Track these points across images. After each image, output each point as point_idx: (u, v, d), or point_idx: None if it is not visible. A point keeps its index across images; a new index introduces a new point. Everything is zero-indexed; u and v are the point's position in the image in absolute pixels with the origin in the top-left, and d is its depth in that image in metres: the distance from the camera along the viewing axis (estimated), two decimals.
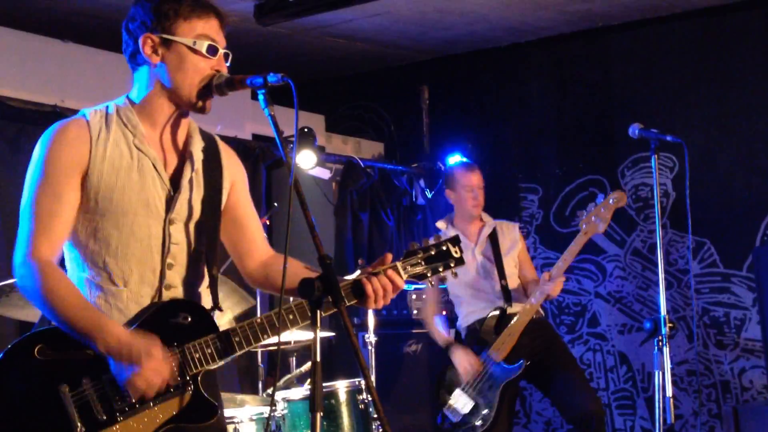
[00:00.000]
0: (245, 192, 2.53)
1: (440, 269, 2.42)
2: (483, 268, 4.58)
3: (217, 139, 2.50)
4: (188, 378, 2.23)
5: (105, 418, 2.14)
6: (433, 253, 2.43)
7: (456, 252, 2.43)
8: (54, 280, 2.18)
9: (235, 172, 2.49)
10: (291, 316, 2.30)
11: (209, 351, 2.24)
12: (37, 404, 2.12)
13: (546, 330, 4.59)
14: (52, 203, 2.21)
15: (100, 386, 2.15)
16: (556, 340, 4.60)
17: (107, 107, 2.34)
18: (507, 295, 4.49)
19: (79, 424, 2.12)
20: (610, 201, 4.20)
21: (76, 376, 2.15)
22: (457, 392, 4.40)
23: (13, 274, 2.22)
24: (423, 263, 2.41)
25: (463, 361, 4.38)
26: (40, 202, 2.22)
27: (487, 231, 4.65)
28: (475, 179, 4.67)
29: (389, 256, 2.36)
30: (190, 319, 2.27)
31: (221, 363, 2.29)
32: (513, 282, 4.57)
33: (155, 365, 2.14)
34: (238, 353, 2.30)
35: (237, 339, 2.26)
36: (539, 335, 4.45)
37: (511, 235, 4.69)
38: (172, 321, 2.26)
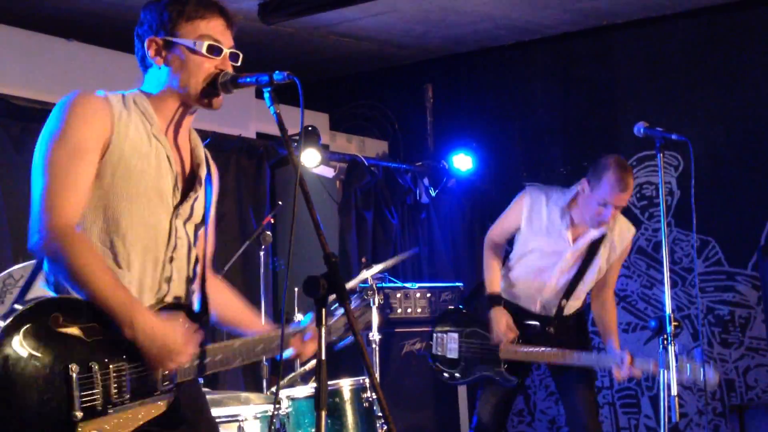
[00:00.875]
0: (215, 204, 2.53)
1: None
2: (561, 274, 4.14)
3: (205, 149, 2.51)
4: (172, 386, 2.25)
5: (100, 408, 2.12)
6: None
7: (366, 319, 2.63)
8: (84, 251, 2.12)
9: (216, 185, 2.51)
10: (259, 347, 2.43)
11: (196, 363, 2.27)
12: (42, 376, 2.05)
13: (567, 338, 4.26)
14: (77, 168, 2.15)
15: (106, 373, 2.13)
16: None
17: (123, 93, 2.34)
18: (558, 313, 4.17)
19: (78, 409, 2.07)
20: (701, 376, 3.72)
21: (85, 357, 2.10)
22: (455, 335, 4.31)
23: (33, 239, 2.13)
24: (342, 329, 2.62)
25: (503, 321, 4.10)
26: (64, 165, 2.14)
27: (592, 235, 4.09)
28: (619, 200, 3.96)
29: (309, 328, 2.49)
30: (187, 326, 2.28)
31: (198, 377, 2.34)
32: (575, 304, 4.22)
33: (191, 351, 2.22)
34: (220, 369, 2.35)
35: (219, 357, 2.32)
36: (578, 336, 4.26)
37: (619, 245, 4.16)
38: (178, 314, 2.28)
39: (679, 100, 5.74)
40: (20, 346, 2.03)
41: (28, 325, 2.05)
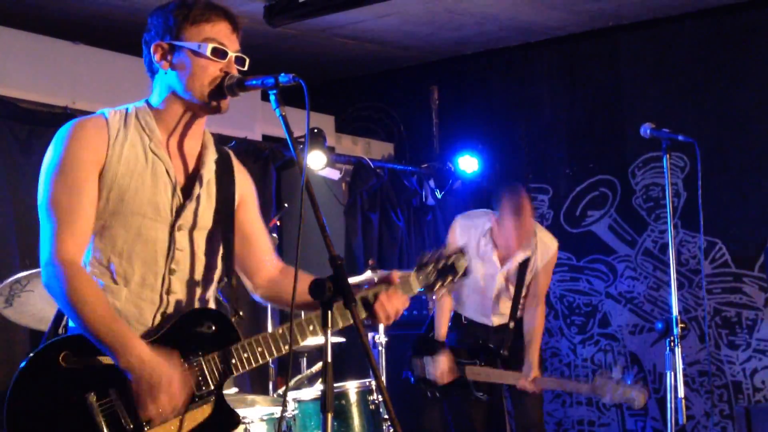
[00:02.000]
0: (254, 209, 2.53)
1: (448, 280, 2.51)
2: (497, 293, 4.52)
3: (231, 154, 2.52)
4: (212, 388, 2.25)
5: (132, 427, 2.15)
6: (442, 265, 2.51)
7: (461, 266, 2.51)
8: (81, 286, 2.16)
9: (244, 188, 2.51)
10: (311, 327, 2.34)
11: (233, 361, 2.27)
12: (64, 413, 2.11)
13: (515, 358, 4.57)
14: (75, 201, 2.20)
15: (127, 396, 2.15)
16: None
17: (127, 108, 2.35)
18: (502, 332, 4.50)
19: None
20: (632, 395, 4.07)
21: (102, 385, 2.15)
22: (428, 360, 4.47)
23: (43, 275, 2.20)
24: (435, 274, 2.50)
25: (444, 366, 4.42)
26: (62, 200, 2.20)
27: (519, 257, 4.44)
28: (520, 241, 4.39)
29: (394, 276, 2.42)
30: (213, 328, 2.29)
31: (241, 372, 2.32)
32: (520, 308, 4.54)
33: (171, 394, 2.15)
34: (261, 363, 2.32)
35: (260, 349, 2.29)
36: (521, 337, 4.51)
37: (540, 260, 4.47)
38: (196, 330, 2.28)
39: (685, 102, 5.72)
40: (38, 392, 2.10)
41: (42, 367, 2.13)
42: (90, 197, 2.23)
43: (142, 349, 2.15)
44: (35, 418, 2.10)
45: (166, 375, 2.15)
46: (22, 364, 2.13)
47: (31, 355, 2.15)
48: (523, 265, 4.45)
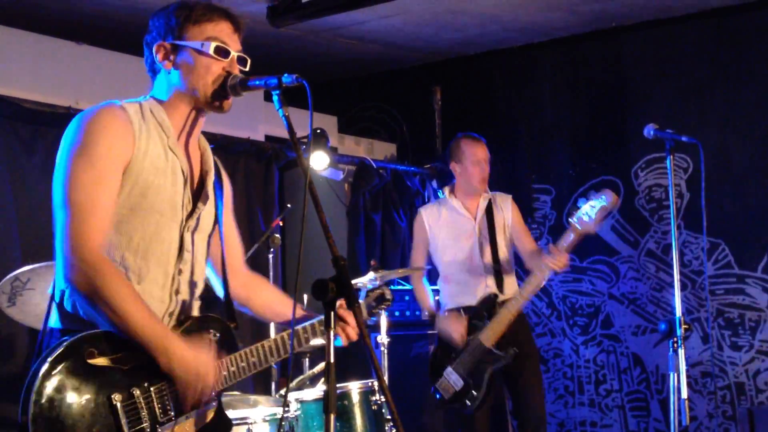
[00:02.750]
0: (230, 207, 2.56)
1: (383, 306, 2.74)
2: (479, 246, 4.57)
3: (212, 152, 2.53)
4: (216, 395, 2.30)
5: (148, 429, 2.18)
6: (376, 296, 2.72)
7: (388, 293, 2.73)
8: (120, 286, 2.14)
9: (227, 188, 2.53)
10: (305, 335, 2.45)
11: (233, 369, 2.31)
12: (88, 410, 2.11)
13: (525, 326, 4.66)
14: (101, 190, 2.16)
15: (148, 396, 2.18)
16: (532, 342, 4.68)
17: (139, 102, 2.34)
18: (499, 279, 4.52)
19: None
20: (605, 201, 4.08)
21: (127, 384, 2.17)
22: (449, 370, 4.41)
23: (65, 267, 2.13)
24: (374, 303, 2.69)
25: (453, 327, 4.40)
26: (90, 190, 2.15)
27: (483, 204, 4.63)
28: (482, 152, 4.65)
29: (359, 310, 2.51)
30: (219, 335, 2.32)
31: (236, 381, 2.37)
32: (504, 260, 4.58)
33: (211, 383, 2.24)
34: (255, 371, 2.38)
35: (253, 360, 2.35)
36: (521, 329, 4.52)
37: (505, 209, 4.66)
38: (206, 336, 2.32)
39: (688, 102, 5.72)
40: (62, 386, 2.09)
41: (65, 365, 2.10)
42: (114, 191, 2.20)
43: (181, 347, 2.19)
44: (59, 414, 2.07)
45: (208, 362, 2.23)
46: (45, 362, 2.08)
47: (56, 350, 2.10)
48: (489, 214, 4.59)
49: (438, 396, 4.46)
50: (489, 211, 4.62)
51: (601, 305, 5.96)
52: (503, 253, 4.58)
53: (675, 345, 3.48)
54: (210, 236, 2.43)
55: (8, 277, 3.42)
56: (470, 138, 4.73)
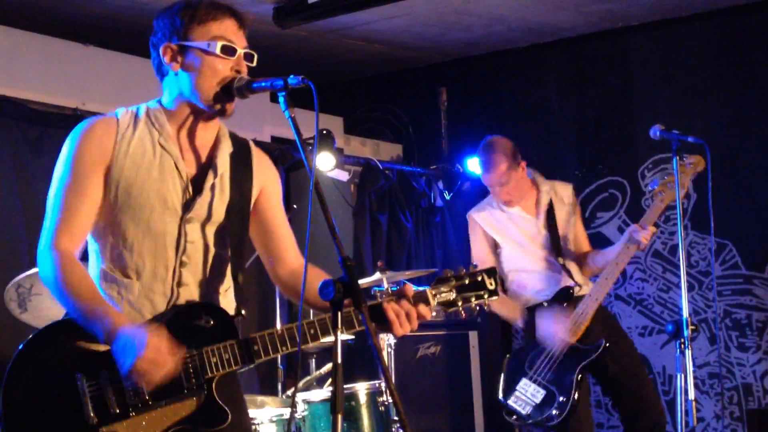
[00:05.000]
0: (276, 198, 2.54)
1: (472, 300, 2.38)
2: (548, 246, 4.25)
3: (251, 144, 2.53)
4: (203, 381, 2.25)
5: (118, 411, 2.19)
6: (466, 282, 2.40)
7: (491, 284, 2.38)
8: (68, 270, 2.23)
9: (265, 178, 2.52)
10: (312, 331, 2.30)
11: (227, 356, 2.26)
12: (54, 392, 2.19)
13: (613, 320, 4.34)
14: (76, 198, 2.28)
15: (117, 380, 2.19)
16: (624, 337, 4.28)
17: (139, 108, 2.39)
18: (569, 274, 4.19)
19: (92, 414, 2.17)
20: (687, 165, 3.82)
21: (93, 368, 2.20)
22: (524, 381, 4.08)
23: (37, 264, 2.30)
24: (455, 291, 2.39)
25: (552, 324, 4.02)
26: (65, 197, 2.28)
27: (545, 201, 4.30)
28: (490, 179, 4.30)
29: (409, 288, 2.35)
30: (212, 322, 2.29)
31: (237, 369, 2.31)
32: (569, 254, 4.27)
33: (153, 356, 2.13)
34: (255, 362, 2.31)
35: (256, 347, 2.28)
36: (608, 325, 4.18)
37: (567, 201, 4.35)
38: (194, 323, 2.28)
39: (694, 103, 5.70)
40: (33, 367, 2.19)
41: (38, 347, 2.23)
42: (92, 196, 2.29)
43: (121, 320, 2.18)
44: (27, 396, 2.18)
45: (152, 340, 2.13)
46: (21, 345, 2.22)
47: (30, 336, 2.23)
48: (550, 213, 4.27)
49: (515, 415, 4.08)
50: (550, 209, 4.31)
51: (608, 306, 5.94)
52: (571, 245, 4.29)
53: (682, 346, 3.47)
54: (225, 227, 2.39)
55: (11, 284, 3.43)
56: (481, 164, 4.35)
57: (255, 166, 2.49)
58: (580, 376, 3.99)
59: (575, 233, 4.37)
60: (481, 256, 4.35)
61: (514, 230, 4.33)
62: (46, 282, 2.27)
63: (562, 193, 4.39)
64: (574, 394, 3.95)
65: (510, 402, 4.09)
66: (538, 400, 4.03)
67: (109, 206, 2.30)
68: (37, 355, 2.22)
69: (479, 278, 2.39)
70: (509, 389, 4.12)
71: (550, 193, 4.34)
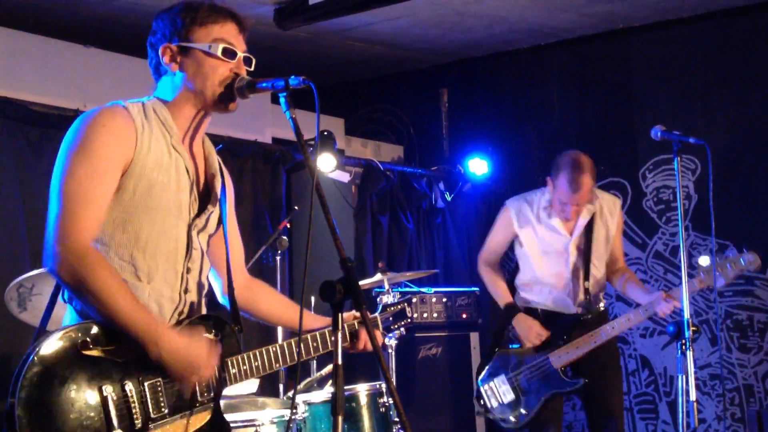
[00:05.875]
0: (233, 209, 2.56)
1: (402, 324, 2.80)
2: (574, 266, 4.22)
3: (216, 154, 2.52)
4: (212, 395, 2.28)
5: (140, 425, 2.16)
6: (394, 311, 2.79)
7: (409, 311, 2.80)
8: (105, 274, 2.12)
9: (230, 190, 2.53)
10: (315, 344, 2.47)
11: (234, 372, 2.30)
12: (79, 400, 2.09)
13: (614, 354, 4.35)
14: (97, 188, 2.16)
15: (141, 391, 2.17)
16: (614, 371, 4.32)
17: (142, 101, 2.34)
18: (587, 299, 4.21)
19: (117, 428, 2.12)
20: (742, 262, 3.88)
21: (120, 377, 2.14)
22: (502, 378, 4.21)
23: (49, 261, 2.13)
24: (390, 319, 2.76)
25: (531, 327, 4.13)
26: (85, 185, 2.14)
27: (584, 221, 4.22)
28: (576, 200, 4.12)
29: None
30: (220, 336, 2.31)
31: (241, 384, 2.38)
32: (595, 279, 4.24)
33: (209, 366, 2.23)
34: (257, 376, 2.36)
35: (257, 364, 2.34)
36: (602, 359, 4.19)
37: (611, 217, 4.26)
38: (206, 336, 2.30)
39: (696, 103, 5.70)
40: (53, 373, 2.07)
41: (57, 353, 2.09)
42: (110, 187, 2.19)
43: (171, 336, 2.17)
44: (48, 401, 2.06)
45: (201, 352, 2.20)
46: (39, 347, 2.07)
47: (44, 341, 2.09)
48: (588, 228, 4.22)
49: (481, 402, 4.25)
50: (589, 227, 4.22)
51: (609, 307, 5.94)
52: (598, 272, 4.25)
53: (683, 347, 3.46)
54: (211, 237, 2.42)
55: (12, 284, 3.43)
56: (573, 178, 4.11)
57: (225, 175, 2.49)
58: (547, 399, 4.14)
59: (612, 250, 4.31)
60: (495, 246, 4.44)
61: (543, 239, 4.27)
62: (71, 281, 2.11)
63: (609, 209, 4.28)
64: (534, 413, 4.13)
65: (483, 389, 4.27)
66: (505, 400, 4.21)
67: (121, 204, 2.22)
68: (56, 363, 2.08)
69: (401, 308, 2.81)
70: (488, 378, 4.28)
71: (592, 211, 4.24)
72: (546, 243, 4.27)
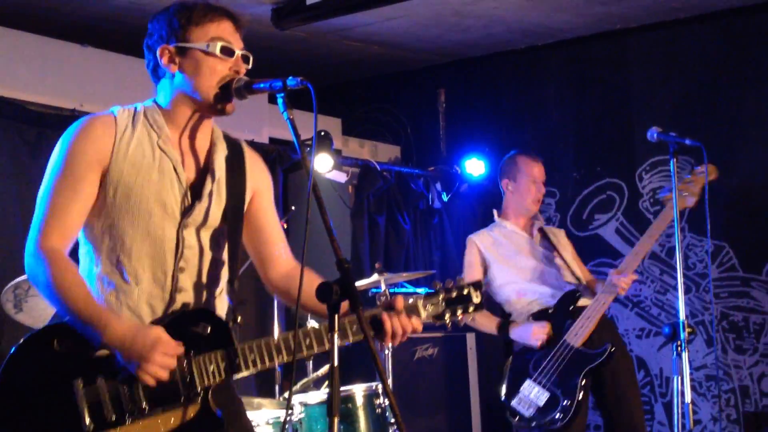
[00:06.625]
0: (268, 199, 2.53)
1: (459, 312, 2.41)
2: (545, 256, 4.32)
3: (244, 145, 2.51)
4: (199, 389, 2.23)
5: (114, 418, 2.16)
6: (454, 295, 2.41)
7: (476, 297, 2.41)
8: (61, 270, 2.18)
9: (258, 180, 2.50)
10: (308, 341, 2.29)
11: (224, 365, 2.25)
12: (49, 396, 2.15)
13: (618, 336, 4.34)
14: (69, 196, 2.23)
15: (114, 386, 2.17)
16: (625, 349, 4.33)
17: (136, 107, 2.37)
18: (569, 277, 4.26)
19: (88, 420, 2.14)
20: (699, 174, 3.90)
21: (90, 373, 2.17)
22: (528, 383, 4.03)
23: (25, 264, 2.24)
24: (443, 304, 2.39)
25: (532, 330, 4.06)
26: (57, 193, 2.23)
27: (537, 225, 4.43)
28: (539, 171, 4.42)
29: (400, 300, 2.32)
30: (208, 329, 2.28)
31: (231, 378, 2.29)
32: (575, 266, 4.33)
33: (161, 360, 2.15)
34: (252, 371, 2.28)
35: (252, 357, 2.26)
36: (612, 337, 4.14)
37: (562, 238, 4.49)
38: (191, 330, 2.27)
39: (693, 105, 5.71)
40: (27, 371, 2.14)
41: (32, 351, 2.17)
42: (86, 194, 2.25)
43: (123, 325, 2.17)
44: (20, 401, 2.13)
45: (150, 336, 2.16)
46: (14, 348, 2.17)
47: (24, 338, 2.19)
48: (546, 237, 4.38)
49: (518, 416, 4.03)
50: (545, 236, 4.40)
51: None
52: (571, 260, 4.34)
53: (679, 348, 3.47)
54: (219, 231, 2.39)
55: (9, 286, 3.42)
56: (528, 156, 4.48)
57: (248, 169, 2.47)
58: (584, 380, 3.96)
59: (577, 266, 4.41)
60: (473, 273, 4.40)
61: (507, 242, 4.39)
62: (36, 282, 2.21)
63: (558, 234, 4.52)
64: (578, 398, 3.93)
65: (513, 403, 4.04)
66: (541, 403, 3.98)
67: (105, 208, 2.26)
68: (31, 360, 2.17)
69: (465, 291, 2.42)
70: (513, 390, 4.07)
71: (541, 226, 4.47)
72: (510, 245, 4.36)
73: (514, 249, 4.37)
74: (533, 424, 4.00)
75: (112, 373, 2.17)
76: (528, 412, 4.00)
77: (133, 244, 2.27)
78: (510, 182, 4.44)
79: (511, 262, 4.34)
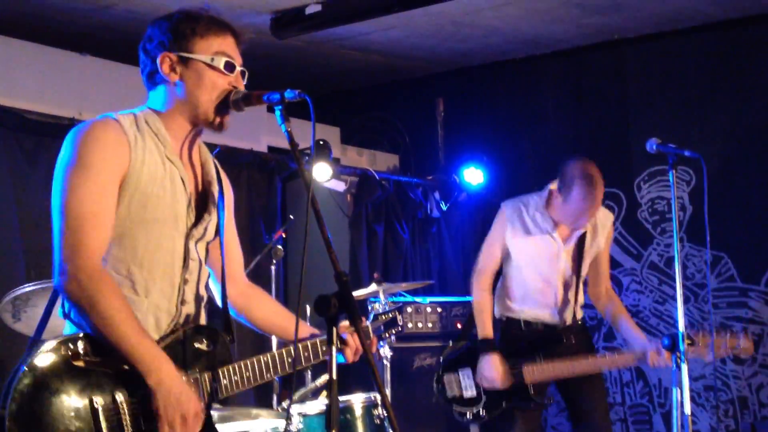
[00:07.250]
0: (232, 214, 2.54)
1: (393, 332, 2.80)
2: (563, 274, 4.13)
3: (214, 158, 2.51)
4: (210, 405, 2.27)
5: None
6: (386, 319, 2.77)
7: (400, 320, 2.80)
8: (112, 297, 2.12)
9: (229, 194, 2.52)
10: (306, 354, 2.42)
11: (225, 382, 2.27)
12: (69, 412, 2.08)
13: (586, 345, 4.24)
14: (100, 203, 2.16)
15: (133, 403, 2.15)
16: (595, 379, 4.17)
17: (134, 113, 2.33)
18: (573, 310, 4.15)
19: None
20: (737, 345, 3.80)
21: (111, 389, 2.13)
22: (468, 372, 4.12)
23: (57, 278, 2.13)
24: (382, 326, 2.75)
25: (500, 370, 3.99)
26: (85, 201, 2.14)
27: (576, 235, 4.11)
28: (590, 213, 4.01)
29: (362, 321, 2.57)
30: (213, 347, 2.30)
31: (244, 390, 2.34)
32: (581, 290, 4.19)
33: (196, 415, 2.18)
34: (250, 386, 2.33)
35: (248, 374, 2.31)
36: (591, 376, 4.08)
37: (601, 233, 4.16)
38: (196, 347, 2.29)
39: (691, 115, 5.71)
40: (43, 383, 2.07)
41: (50, 363, 2.09)
42: (112, 202, 2.18)
43: (170, 369, 2.16)
44: (38, 411, 2.06)
45: (194, 399, 2.17)
46: (30, 359, 2.07)
47: (42, 349, 2.09)
48: (581, 240, 4.11)
49: (440, 386, 4.19)
50: (582, 237, 4.12)
51: (604, 318, 5.94)
52: (580, 284, 4.16)
53: (678, 360, 3.46)
54: (209, 243, 2.41)
55: (8, 297, 3.42)
56: (587, 185, 3.96)
57: (223, 181, 2.48)
58: (505, 409, 4.07)
59: (598, 264, 4.23)
60: (492, 254, 4.20)
61: (536, 243, 4.12)
62: (79, 301, 2.11)
63: (602, 222, 4.18)
64: (492, 417, 4.09)
65: (444, 376, 4.20)
66: (465, 395, 4.14)
67: (119, 217, 2.20)
68: (47, 374, 2.08)
69: (393, 316, 2.79)
70: (453, 367, 4.20)
71: (589, 225, 4.15)
72: (539, 247, 4.12)
73: (537, 251, 4.12)
74: (442, 399, 4.21)
75: (132, 390, 2.15)
76: (450, 392, 4.18)
77: (145, 255, 2.24)
78: (559, 195, 4.05)
79: (527, 264, 4.15)
